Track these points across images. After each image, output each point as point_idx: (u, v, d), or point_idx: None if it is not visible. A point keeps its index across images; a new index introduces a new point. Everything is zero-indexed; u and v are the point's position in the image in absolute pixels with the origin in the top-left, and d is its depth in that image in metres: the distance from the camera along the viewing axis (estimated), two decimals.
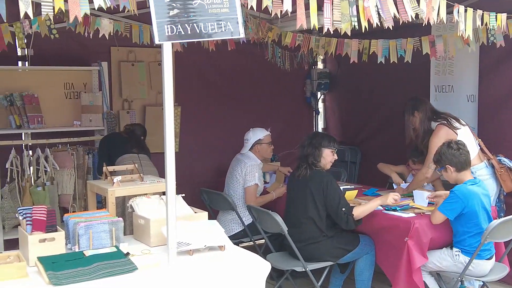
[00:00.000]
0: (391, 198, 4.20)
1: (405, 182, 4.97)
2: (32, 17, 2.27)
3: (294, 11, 2.88)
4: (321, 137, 4.42)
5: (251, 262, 3.02)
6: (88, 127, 5.53)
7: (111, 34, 4.18)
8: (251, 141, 5.15)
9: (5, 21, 2.74)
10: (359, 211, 4.15)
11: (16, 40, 4.32)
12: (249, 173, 4.98)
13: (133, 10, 2.61)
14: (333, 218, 4.17)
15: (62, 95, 5.52)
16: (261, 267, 2.98)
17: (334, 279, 4.58)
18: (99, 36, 4.13)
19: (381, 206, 4.30)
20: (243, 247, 3.49)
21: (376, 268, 4.36)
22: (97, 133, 5.61)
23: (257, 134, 5.17)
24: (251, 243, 4.99)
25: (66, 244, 3.08)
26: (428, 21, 3.23)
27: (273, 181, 5.47)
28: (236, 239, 4.87)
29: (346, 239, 4.25)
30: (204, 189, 5.17)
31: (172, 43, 2.59)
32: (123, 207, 4.40)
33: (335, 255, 4.21)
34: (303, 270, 4.16)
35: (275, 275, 4.57)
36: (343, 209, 4.10)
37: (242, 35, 2.65)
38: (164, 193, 3.69)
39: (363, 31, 3.03)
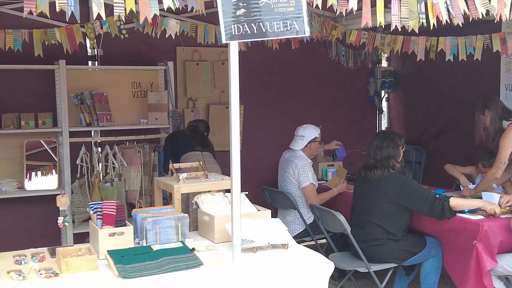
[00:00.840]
0: (494, 208, 3.96)
1: (473, 184, 4.82)
2: (104, 18, 2.35)
3: (359, 8, 2.84)
4: (396, 136, 4.30)
5: (314, 261, 3.02)
6: (154, 125, 5.66)
7: (177, 34, 4.27)
8: (307, 138, 5.08)
9: (78, 22, 2.84)
10: (457, 203, 4.00)
11: (87, 40, 4.48)
12: (302, 173, 4.94)
13: (201, 11, 2.66)
14: (422, 212, 4.06)
15: (130, 94, 5.69)
16: (325, 266, 2.97)
17: (398, 281, 4.50)
18: (166, 36, 4.22)
19: None
20: (305, 246, 3.49)
21: (443, 271, 4.25)
22: (163, 131, 5.74)
23: (313, 132, 5.12)
24: (313, 242, 4.97)
25: (134, 239, 3.17)
26: (499, 17, 3.12)
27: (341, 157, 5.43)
28: (298, 238, 4.87)
29: (412, 241, 4.16)
30: (265, 188, 5.19)
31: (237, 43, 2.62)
32: (188, 204, 4.48)
33: (400, 257, 4.13)
34: (367, 271, 4.11)
35: (337, 275, 4.53)
36: (437, 195, 3.98)
37: (308, 33, 2.65)
38: (228, 191, 3.75)
39: (431, 28, 2.96)
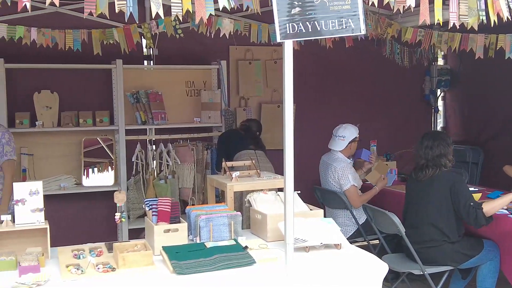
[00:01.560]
0: None
1: None
2: (162, 17, 2.39)
3: (417, 5, 2.79)
4: (445, 135, 4.26)
5: (368, 263, 2.98)
6: (207, 124, 5.73)
7: (231, 33, 4.30)
8: (348, 138, 4.98)
9: (136, 22, 2.91)
10: (489, 207, 3.89)
11: (144, 40, 4.57)
12: (342, 176, 4.86)
13: (256, 10, 2.67)
14: (462, 217, 3.98)
15: (184, 92, 5.77)
16: (379, 268, 2.93)
17: (454, 284, 4.39)
18: (220, 36, 4.26)
19: (507, 210, 4.06)
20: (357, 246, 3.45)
21: (500, 274, 4.13)
22: (215, 129, 5.79)
23: (353, 132, 5.02)
24: (364, 242, 4.91)
25: (188, 235, 3.22)
26: None
27: (365, 158, 5.30)
28: (350, 239, 4.82)
29: (469, 244, 4.05)
30: (317, 187, 5.17)
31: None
32: (241, 202, 4.52)
33: (456, 260, 4.03)
34: (421, 273, 4.04)
35: (390, 277, 4.46)
36: (471, 203, 3.91)
37: (363, 32, 2.61)
38: (280, 190, 3.76)
39: (492, 25, 2.88)
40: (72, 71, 5.31)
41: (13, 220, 3.05)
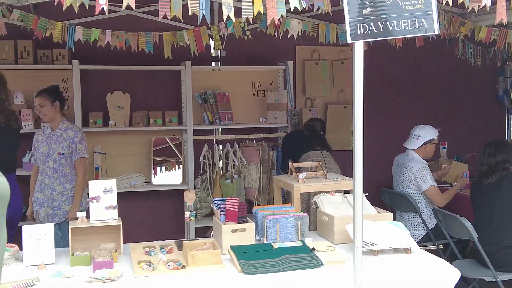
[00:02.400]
0: None
1: None
2: (233, 20, 2.42)
3: (493, 3, 2.69)
4: (509, 142, 4.16)
5: (439, 268, 2.91)
6: (273, 124, 5.74)
7: (299, 34, 4.29)
8: (423, 138, 4.87)
9: (209, 24, 2.96)
10: None
11: (213, 41, 4.64)
12: (419, 177, 4.73)
13: (328, 10, 2.65)
14: None
15: (250, 93, 5.81)
16: (450, 274, 2.85)
17: None
18: (288, 37, 4.27)
19: None
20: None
21: None
22: (281, 130, 5.80)
23: (430, 133, 4.90)
24: (433, 247, 4.78)
25: (255, 235, 3.24)
26: None
27: None
28: (419, 243, 4.70)
29: None
30: (385, 189, 5.08)
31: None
32: (307, 203, 4.50)
33: None
34: (493, 280, 3.89)
35: (461, 284, 4.33)
36: None
37: (437, 31, 2.55)
38: (347, 191, 3.72)
39: None
40: (142, 72, 5.46)
41: (87, 217, 3.17)
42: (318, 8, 2.64)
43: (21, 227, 3.14)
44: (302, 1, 2.42)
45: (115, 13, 4.64)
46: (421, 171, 4.76)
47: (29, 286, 2.64)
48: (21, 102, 5.10)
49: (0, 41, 4.88)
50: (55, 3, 2.45)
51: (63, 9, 2.50)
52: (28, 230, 3.02)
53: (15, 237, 3.94)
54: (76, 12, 2.51)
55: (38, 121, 5.02)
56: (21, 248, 3.06)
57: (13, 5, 3.87)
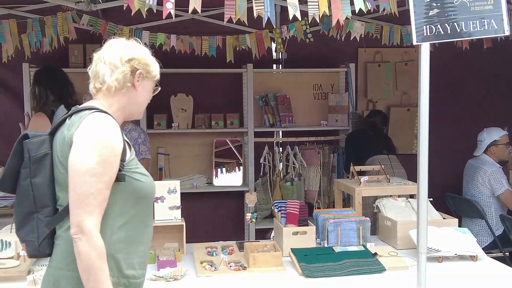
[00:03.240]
0: None
1: None
2: (300, 19, 2.42)
3: None
4: None
5: (506, 277, 2.81)
6: (333, 127, 5.70)
7: (362, 36, 4.25)
8: (485, 142, 4.75)
9: (274, 26, 2.97)
10: None
11: (274, 44, 4.66)
12: (494, 180, 4.59)
13: (394, 12, 2.62)
14: None
15: (311, 96, 5.79)
16: None
17: None
18: (350, 39, 4.23)
19: None
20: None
21: None
22: (342, 132, 5.75)
23: (492, 135, 4.75)
24: (500, 254, 4.61)
25: (316, 239, 3.23)
26: None
27: None
28: (484, 250, 4.55)
29: None
30: (450, 194, 4.94)
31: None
32: (368, 207, 4.44)
33: None
34: None
35: None
36: None
37: (507, 32, 2.47)
38: (410, 196, 3.65)
39: None
40: (205, 75, 5.54)
41: None
42: (384, 10, 2.60)
43: None
44: (367, 3, 2.40)
45: (179, 17, 4.73)
46: (496, 174, 4.64)
47: None
48: None
49: (70, 45, 5.07)
50: (124, 8, 2.53)
51: (132, 14, 2.57)
52: None
53: None
54: (144, 16, 2.57)
55: None
56: None
57: (83, 10, 4.02)
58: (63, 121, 1.95)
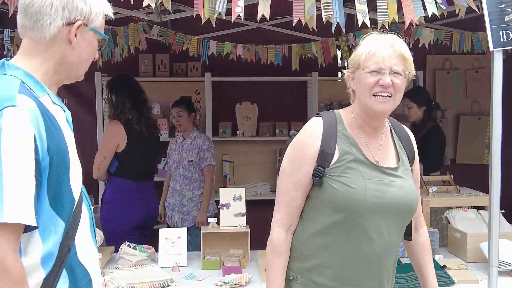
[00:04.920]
0: None
1: None
2: (369, 25, 2.40)
3: None
4: None
5: None
6: None
7: (431, 43, 4.16)
8: None
9: (343, 31, 2.96)
10: None
11: (340, 52, 4.63)
12: None
13: (461, 16, 2.55)
14: None
15: None
16: None
17: None
18: (419, 46, 4.14)
19: None
20: None
21: None
22: None
23: None
24: None
25: None
26: None
27: None
28: None
29: None
30: None
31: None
32: (437, 218, 4.32)
33: None
34: None
35: None
36: None
37: None
38: (481, 207, 3.53)
39: None
40: (269, 83, 5.57)
41: (217, 223, 3.29)
42: (459, 11, 2.51)
43: (156, 230, 3.32)
44: (441, 5, 2.34)
45: (246, 26, 4.78)
46: None
47: (164, 286, 2.79)
48: (158, 112, 5.41)
49: (140, 55, 5.23)
50: (194, 16, 2.58)
51: (202, 23, 2.62)
52: (163, 233, 3.19)
53: (149, 238, 4.19)
54: (214, 25, 2.62)
55: (173, 130, 5.29)
56: (156, 250, 3.25)
57: (153, 21, 4.14)
58: None
